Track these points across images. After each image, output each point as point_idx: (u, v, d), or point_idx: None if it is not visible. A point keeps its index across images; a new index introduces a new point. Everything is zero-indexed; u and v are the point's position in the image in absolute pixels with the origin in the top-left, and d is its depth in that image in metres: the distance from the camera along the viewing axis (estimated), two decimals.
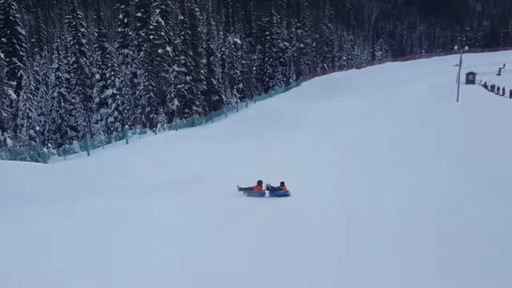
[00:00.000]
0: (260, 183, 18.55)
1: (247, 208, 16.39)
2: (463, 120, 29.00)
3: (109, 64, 40.85)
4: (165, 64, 41.06)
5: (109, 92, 40.31)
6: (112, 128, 39.63)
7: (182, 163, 27.07)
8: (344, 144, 28.58)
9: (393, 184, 17.83)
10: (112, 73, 40.47)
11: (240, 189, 18.64)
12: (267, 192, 18.40)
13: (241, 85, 54.66)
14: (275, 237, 12.37)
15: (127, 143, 31.24)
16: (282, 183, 18.16)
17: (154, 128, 36.68)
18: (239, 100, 50.54)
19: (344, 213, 14.30)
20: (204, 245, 11.63)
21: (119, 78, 41.28)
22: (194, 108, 42.03)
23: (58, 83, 42.69)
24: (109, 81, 40.48)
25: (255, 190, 18.46)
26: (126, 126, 35.25)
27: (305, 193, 17.77)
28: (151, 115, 39.62)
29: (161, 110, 39.57)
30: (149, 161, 27.06)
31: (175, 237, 12.36)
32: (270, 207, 16.55)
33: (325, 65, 74.49)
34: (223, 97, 47.77)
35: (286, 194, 17.91)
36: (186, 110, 41.62)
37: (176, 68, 41.44)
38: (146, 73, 39.96)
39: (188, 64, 42.09)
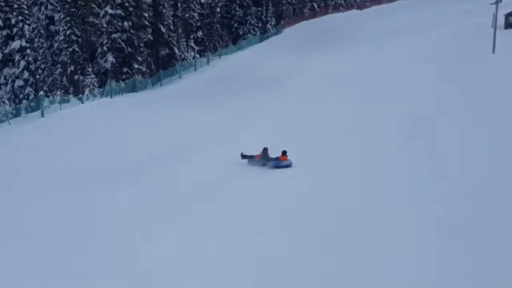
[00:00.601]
0: (265, 150, 20.86)
1: (209, 198, 16.81)
2: (501, 79, 29.42)
3: (15, 6, 39.96)
4: (93, 5, 40.56)
5: (15, 44, 39.67)
6: (21, 96, 39.25)
7: (119, 144, 26.98)
8: (341, 115, 28.94)
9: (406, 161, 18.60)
10: (20, 18, 39.71)
11: (243, 156, 21.53)
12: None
13: (200, 34, 54.38)
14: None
15: (43, 116, 31.07)
16: (284, 153, 20.14)
17: (80, 95, 36.44)
18: (197, 55, 50.51)
19: (344, 194, 15.12)
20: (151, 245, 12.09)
21: (29, 25, 40.60)
22: (136, 66, 41.82)
23: None
24: (15, 30, 39.76)
25: (257, 159, 21.06)
26: (41, 93, 34.95)
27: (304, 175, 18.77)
28: (76, 77, 39.26)
29: (90, 70, 39.23)
30: (75, 140, 26.96)
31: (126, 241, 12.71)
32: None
33: (315, 5, 74.40)
34: (176, 50, 47.57)
35: (278, 165, 19.91)
36: (125, 69, 41.43)
37: (110, 11, 40.92)
38: (68, 18, 39.42)
39: (126, 4, 41.58)
